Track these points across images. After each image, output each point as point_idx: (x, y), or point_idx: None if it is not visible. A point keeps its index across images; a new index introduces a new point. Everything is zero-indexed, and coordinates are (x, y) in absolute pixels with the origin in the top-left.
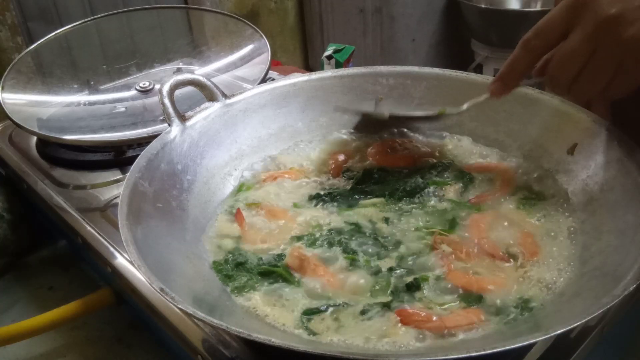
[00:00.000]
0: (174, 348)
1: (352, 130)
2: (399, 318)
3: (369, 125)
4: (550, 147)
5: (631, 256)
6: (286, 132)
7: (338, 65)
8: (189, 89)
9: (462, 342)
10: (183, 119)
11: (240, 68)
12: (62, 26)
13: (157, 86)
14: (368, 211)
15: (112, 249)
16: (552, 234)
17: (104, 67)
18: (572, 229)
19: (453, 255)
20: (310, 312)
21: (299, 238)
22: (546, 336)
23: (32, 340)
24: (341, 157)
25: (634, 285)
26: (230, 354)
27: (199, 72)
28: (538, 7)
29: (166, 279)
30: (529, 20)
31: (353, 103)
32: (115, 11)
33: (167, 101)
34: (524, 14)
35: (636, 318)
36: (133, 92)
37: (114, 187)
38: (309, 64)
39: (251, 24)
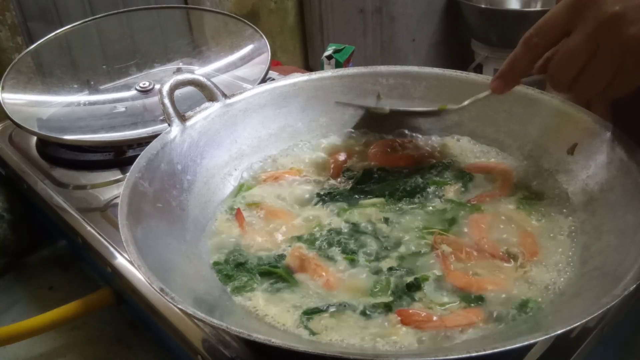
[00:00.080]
0: (174, 348)
1: (352, 130)
2: (399, 318)
3: (370, 123)
4: (550, 147)
5: (631, 256)
6: (286, 132)
7: (338, 65)
8: (189, 89)
9: (462, 342)
10: (183, 119)
11: (240, 68)
12: (62, 26)
13: (157, 86)
14: (368, 211)
15: (112, 249)
16: (552, 234)
17: (104, 67)
18: (572, 228)
19: (453, 256)
20: (310, 312)
21: (299, 238)
22: (546, 336)
23: (32, 340)
24: (341, 157)
25: (634, 285)
26: (230, 354)
27: (199, 72)
28: (538, 7)
29: (166, 279)
30: (529, 20)
31: (354, 99)
32: (115, 11)
33: (167, 101)
34: (524, 14)
35: (636, 318)
36: (133, 92)
37: (114, 187)
38: (309, 64)
39: (251, 24)
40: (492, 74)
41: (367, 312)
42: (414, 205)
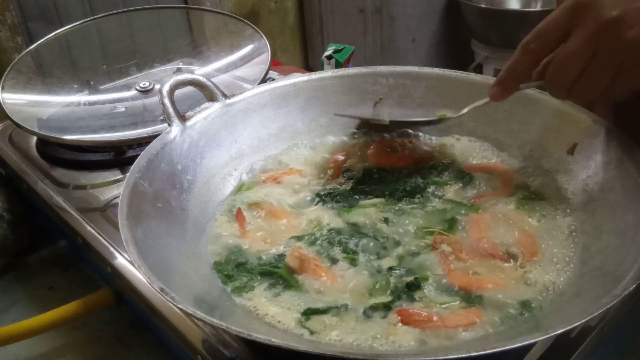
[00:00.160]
0: (174, 348)
1: (352, 130)
2: (399, 318)
3: (369, 124)
4: (550, 147)
5: (631, 256)
6: (286, 132)
7: (338, 65)
8: (189, 89)
9: (462, 342)
10: (183, 119)
11: (240, 68)
12: (62, 26)
13: (157, 86)
14: (368, 211)
15: (112, 249)
16: (552, 234)
17: (104, 67)
18: (572, 228)
19: (453, 255)
20: (310, 312)
21: (299, 238)
22: (546, 336)
23: (32, 340)
24: (341, 157)
25: (634, 285)
26: (230, 354)
27: (199, 72)
28: (538, 7)
29: (166, 279)
30: (529, 20)
31: (353, 105)
32: (115, 11)
33: (167, 101)
34: (524, 14)
35: (636, 318)
36: (133, 92)
37: (114, 187)
38: (309, 64)
39: (251, 24)
40: (492, 74)
41: (367, 312)
42: (414, 206)
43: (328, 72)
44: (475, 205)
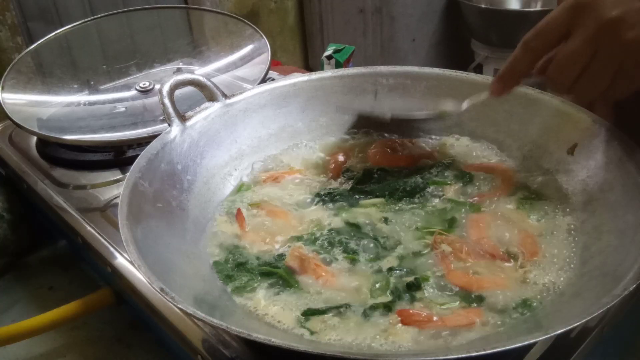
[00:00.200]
0: (174, 348)
1: (352, 130)
2: (399, 318)
3: (369, 123)
4: (550, 147)
5: (631, 256)
6: (286, 132)
7: (338, 65)
8: (189, 89)
9: (462, 342)
10: (183, 119)
11: (240, 68)
12: (62, 26)
13: (157, 86)
14: (368, 211)
15: (112, 249)
16: (552, 234)
17: (104, 67)
18: (571, 228)
19: (453, 255)
20: (310, 312)
21: (299, 238)
22: (546, 336)
23: (32, 340)
24: (341, 157)
25: (634, 285)
26: (230, 354)
27: (199, 72)
28: (538, 7)
29: (166, 279)
30: (529, 20)
31: (354, 101)
32: (115, 11)
33: (167, 101)
34: (524, 14)
35: (636, 318)
36: (133, 92)
37: (114, 187)
38: (309, 64)
39: (251, 24)
40: (492, 74)
41: (367, 312)
42: (414, 205)
43: (328, 72)
44: (475, 205)
